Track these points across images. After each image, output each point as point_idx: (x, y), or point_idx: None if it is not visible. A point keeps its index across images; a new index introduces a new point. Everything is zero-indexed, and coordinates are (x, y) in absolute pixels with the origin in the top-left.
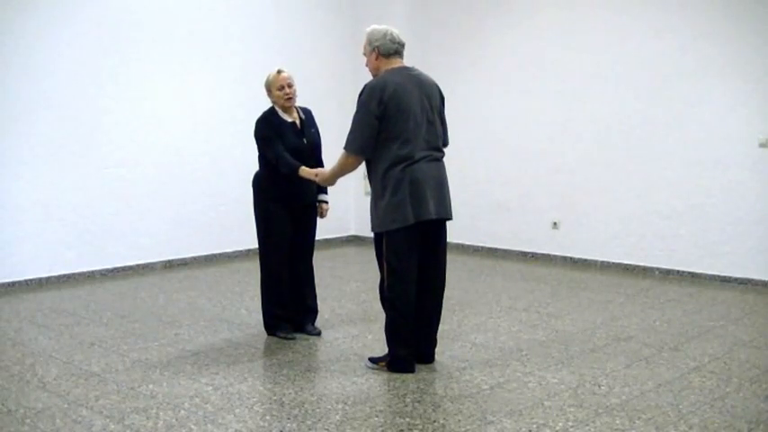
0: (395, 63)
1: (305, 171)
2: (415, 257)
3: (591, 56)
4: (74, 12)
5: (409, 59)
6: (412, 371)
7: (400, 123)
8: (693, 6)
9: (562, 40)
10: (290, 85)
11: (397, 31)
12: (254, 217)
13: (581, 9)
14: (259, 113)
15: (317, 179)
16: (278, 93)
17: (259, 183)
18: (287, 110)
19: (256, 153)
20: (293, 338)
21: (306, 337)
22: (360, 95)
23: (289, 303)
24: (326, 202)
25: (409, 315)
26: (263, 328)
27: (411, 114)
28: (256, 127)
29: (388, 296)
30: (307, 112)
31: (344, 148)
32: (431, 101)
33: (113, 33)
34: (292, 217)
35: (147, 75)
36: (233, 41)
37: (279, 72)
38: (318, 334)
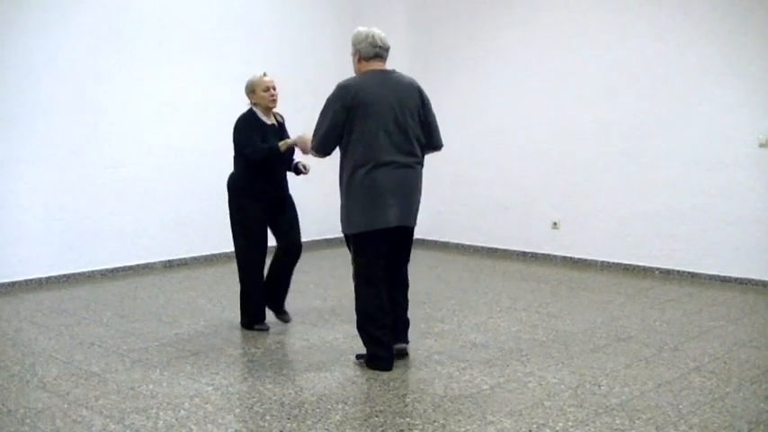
0: (374, 66)
1: (284, 144)
2: (380, 260)
3: (591, 56)
4: (74, 12)
5: (409, 59)
6: (389, 369)
7: (364, 126)
8: (693, 7)
9: (562, 41)
10: (274, 88)
11: (382, 34)
12: (229, 218)
13: (581, 9)
14: None
15: (298, 142)
16: (263, 94)
17: (235, 183)
18: (267, 113)
19: (232, 154)
20: (268, 328)
21: (306, 337)
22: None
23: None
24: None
25: (377, 317)
26: (263, 328)
27: (376, 118)
28: (236, 125)
29: (355, 299)
30: (281, 117)
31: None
32: (404, 105)
33: (113, 34)
34: (270, 214)
35: (146, 75)
36: (232, 42)
37: (264, 74)
38: (288, 321)
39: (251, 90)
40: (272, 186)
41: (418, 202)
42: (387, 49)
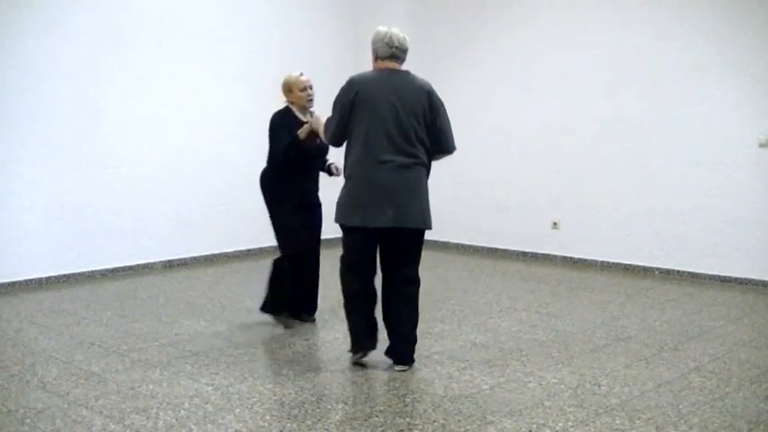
0: (387, 66)
1: (302, 131)
2: (368, 256)
3: (591, 56)
4: (74, 12)
5: (409, 59)
6: (364, 349)
7: (364, 124)
8: (693, 7)
9: (563, 41)
10: (311, 87)
11: (401, 35)
12: (267, 212)
13: (582, 9)
14: (258, 113)
15: (312, 123)
16: (300, 93)
17: (262, 178)
18: (303, 111)
19: (265, 151)
20: (293, 326)
21: (306, 337)
22: None
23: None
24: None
25: (356, 300)
26: (263, 328)
27: (375, 116)
28: (272, 119)
29: (340, 282)
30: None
31: None
32: (407, 105)
33: (113, 34)
34: (302, 210)
35: (146, 75)
36: (233, 42)
37: (301, 74)
38: (313, 321)
39: (288, 89)
40: (300, 187)
41: (419, 203)
42: (404, 51)
